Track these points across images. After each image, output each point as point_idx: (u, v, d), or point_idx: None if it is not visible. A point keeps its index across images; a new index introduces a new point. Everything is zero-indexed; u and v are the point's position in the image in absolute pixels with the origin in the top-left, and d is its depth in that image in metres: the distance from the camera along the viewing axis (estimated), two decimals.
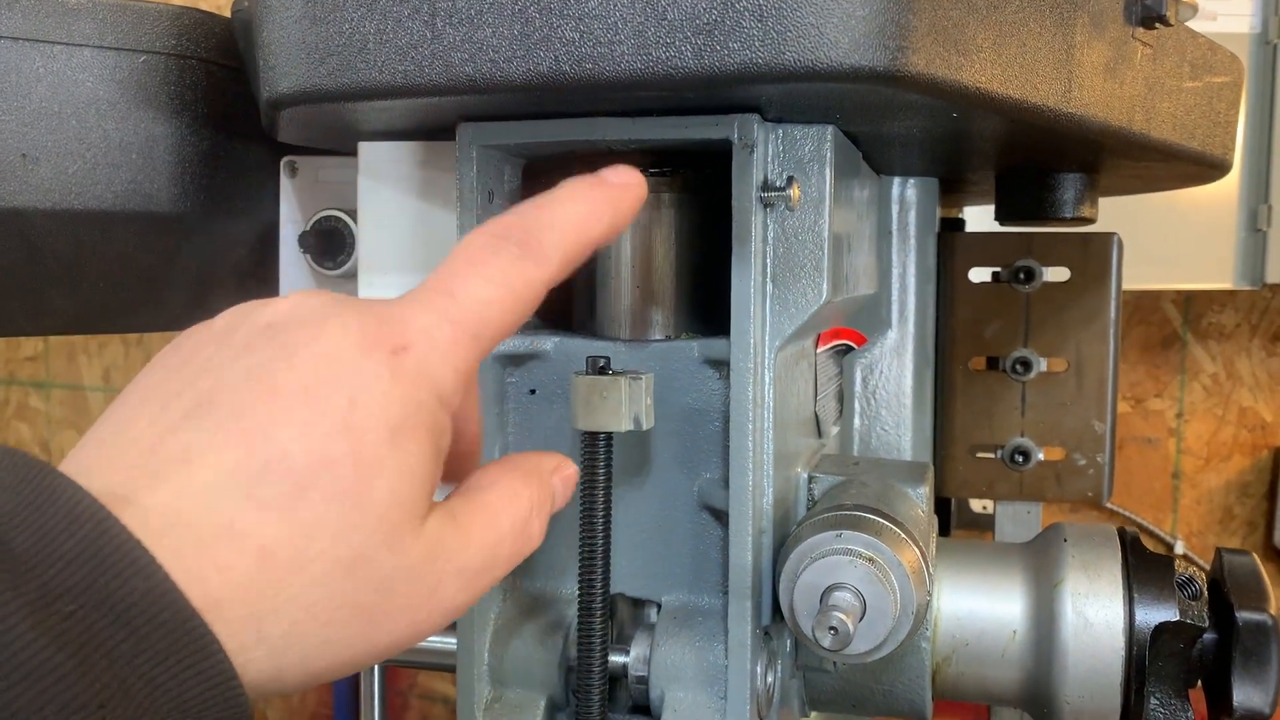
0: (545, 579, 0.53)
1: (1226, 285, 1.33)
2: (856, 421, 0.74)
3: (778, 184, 0.46)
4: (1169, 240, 1.33)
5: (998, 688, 0.55)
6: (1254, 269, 1.32)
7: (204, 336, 0.32)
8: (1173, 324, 1.51)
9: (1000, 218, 0.72)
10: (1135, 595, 0.52)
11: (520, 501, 0.35)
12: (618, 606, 0.53)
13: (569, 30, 0.38)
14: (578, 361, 0.51)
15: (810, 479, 0.55)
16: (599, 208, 0.36)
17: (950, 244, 0.77)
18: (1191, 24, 0.60)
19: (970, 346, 0.77)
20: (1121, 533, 0.56)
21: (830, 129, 0.47)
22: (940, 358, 0.77)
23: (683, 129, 0.45)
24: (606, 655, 0.48)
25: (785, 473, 0.52)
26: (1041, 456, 0.76)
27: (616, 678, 0.50)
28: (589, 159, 0.52)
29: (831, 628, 0.42)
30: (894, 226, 0.73)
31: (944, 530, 0.93)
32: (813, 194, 0.47)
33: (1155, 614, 0.51)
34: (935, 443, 0.79)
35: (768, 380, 0.48)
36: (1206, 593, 0.53)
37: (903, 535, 0.46)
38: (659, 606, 0.52)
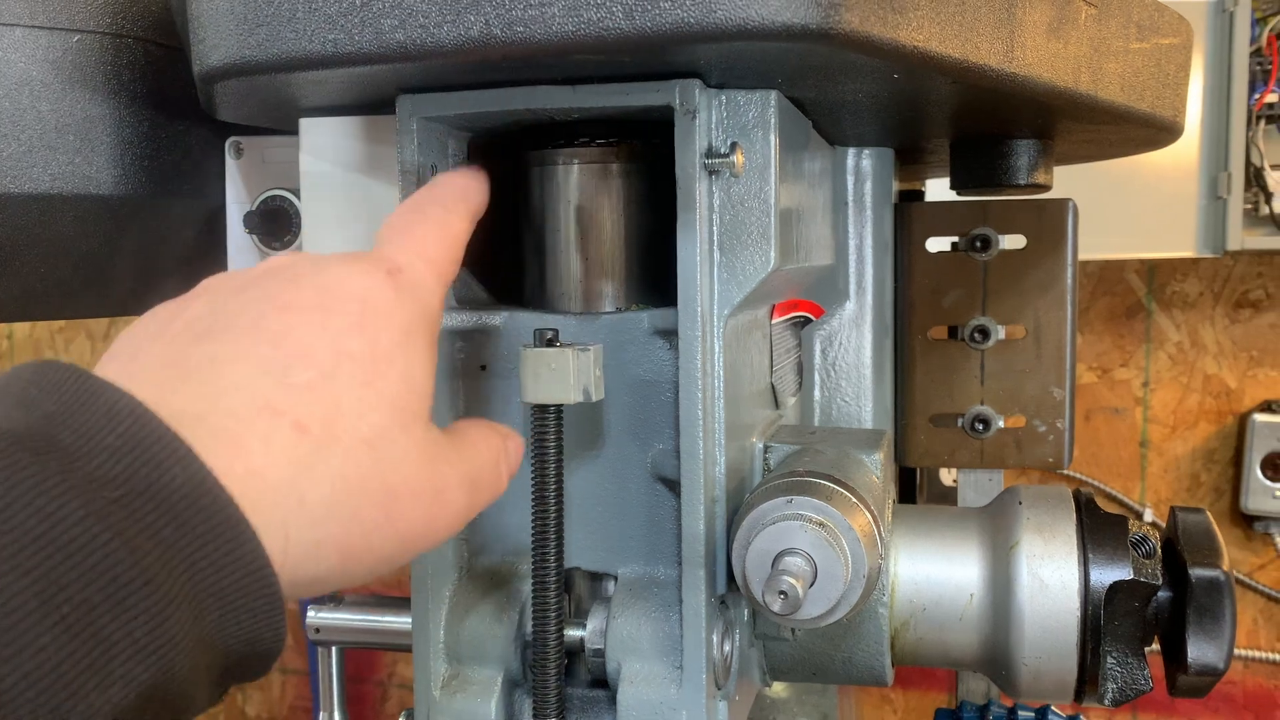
0: (500, 555, 0.53)
1: (1189, 254, 1.33)
2: (816, 393, 0.74)
3: (721, 150, 0.46)
4: (1131, 210, 1.34)
5: (957, 651, 0.55)
6: (1215, 237, 1.32)
7: (184, 300, 0.34)
8: (1137, 294, 1.52)
9: (955, 186, 0.72)
10: (1090, 555, 0.52)
11: (493, 442, 0.39)
12: (575, 580, 0.53)
13: None
14: (528, 336, 0.50)
15: (766, 448, 0.55)
16: (469, 183, 0.43)
17: (907, 214, 0.76)
18: None
19: (929, 316, 0.77)
20: (1076, 494, 0.56)
21: (774, 94, 0.46)
22: (899, 328, 0.77)
23: (624, 96, 0.45)
24: (562, 629, 0.48)
25: (740, 442, 0.52)
26: (1002, 424, 0.76)
27: (574, 651, 0.50)
28: (534, 132, 0.51)
29: (781, 592, 0.42)
30: (850, 197, 0.73)
31: (911, 503, 0.93)
32: (758, 160, 0.47)
33: (1109, 573, 0.52)
34: (896, 412, 0.79)
35: (717, 349, 0.48)
36: (1160, 551, 0.53)
37: (854, 500, 0.46)
38: (616, 579, 0.51)
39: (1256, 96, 1.35)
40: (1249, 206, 1.36)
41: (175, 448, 0.27)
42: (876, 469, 0.54)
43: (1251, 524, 1.49)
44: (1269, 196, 1.38)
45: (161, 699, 0.26)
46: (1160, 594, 0.53)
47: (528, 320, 0.51)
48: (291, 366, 0.31)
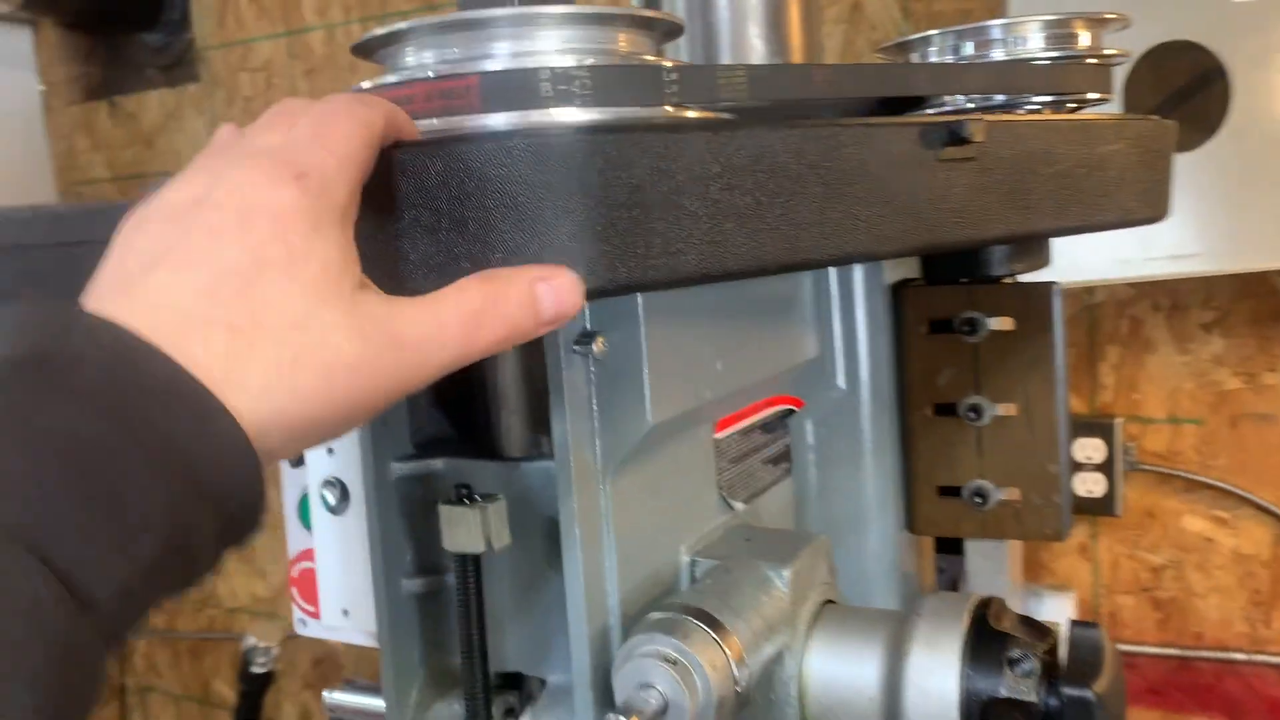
0: (457, 654, 0.62)
1: None
2: (811, 472, 0.79)
3: (585, 339, 0.53)
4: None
5: None
6: None
7: (132, 231, 0.40)
8: None
9: (929, 281, 0.75)
10: (969, 671, 0.56)
11: (468, 295, 0.41)
12: (525, 680, 0.62)
13: None
14: (465, 478, 0.59)
15: (693, 563, 0.62)
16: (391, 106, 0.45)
17: (900, 297, 0.80)
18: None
19: (926, 394, 0.80)
20: (981, 604, 0.60)
21: None
22: (900, 405, 0.81)
23: None
24: None
25: (652, 567, 0.59)
26: (1002, 496, 0.79)
27: None
28: None
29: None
30: (835, 290, 0.77)
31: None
32: (630, 341, 0.54)
33: (985, 689, 0.56)
34: (905, 482, 0.82)
35: (605, 498, 0.55)
36: (1042, 668, 0.57)
37: (713, 636, 0.53)
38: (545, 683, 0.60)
39: None
40: None
41: (150, 352, 0.34)
42: (783, 584, 0.60)
43: None
44: None
45: (181, 550, 0.33)
46: (1050, 703, 0.56)
47: (462, 467, 0.60)
48: (219, 283, 0.36)
